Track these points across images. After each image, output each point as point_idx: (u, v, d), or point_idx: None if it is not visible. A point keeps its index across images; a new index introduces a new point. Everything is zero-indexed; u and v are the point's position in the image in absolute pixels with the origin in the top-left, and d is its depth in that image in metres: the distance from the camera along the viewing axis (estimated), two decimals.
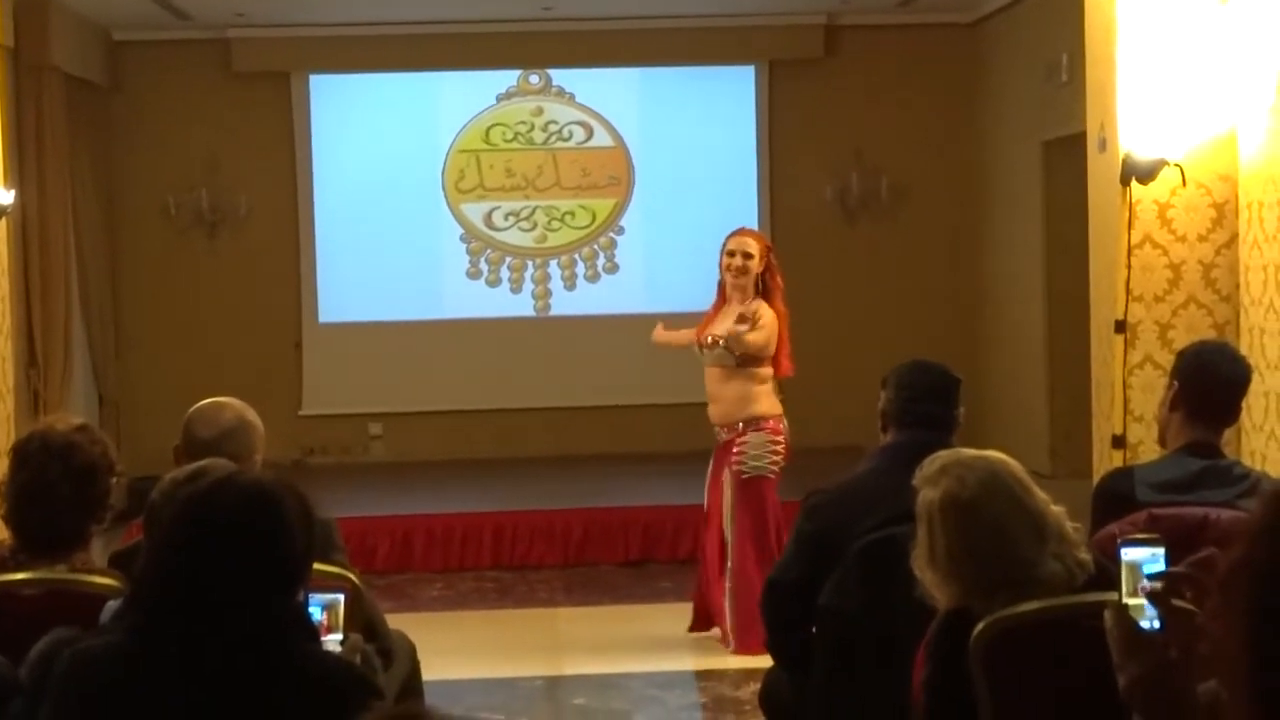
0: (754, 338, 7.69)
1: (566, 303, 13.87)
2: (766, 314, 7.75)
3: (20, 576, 4.11)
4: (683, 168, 13.77)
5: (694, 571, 8.43)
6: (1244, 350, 6.54)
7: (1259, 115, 7.10)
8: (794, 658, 4.83)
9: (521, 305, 13.88)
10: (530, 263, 13.88)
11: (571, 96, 13.84)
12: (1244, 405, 5.00)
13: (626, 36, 13.37)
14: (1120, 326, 7.40)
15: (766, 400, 7.83)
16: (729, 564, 7.84)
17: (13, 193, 7.16)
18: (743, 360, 7.75)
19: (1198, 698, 2.50)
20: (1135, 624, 2.81)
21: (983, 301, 13.51)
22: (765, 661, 5.31)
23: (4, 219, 7.09)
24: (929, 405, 4.83)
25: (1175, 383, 4.74)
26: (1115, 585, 2.93)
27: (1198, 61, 7.27)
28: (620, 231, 13.87)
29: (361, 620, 3.98)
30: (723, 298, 7.98)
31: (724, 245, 7.93)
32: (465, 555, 10.37)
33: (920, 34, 13.52)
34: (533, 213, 13.85)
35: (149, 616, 2.98)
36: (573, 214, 13.85)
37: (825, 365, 12.52)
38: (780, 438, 7.80)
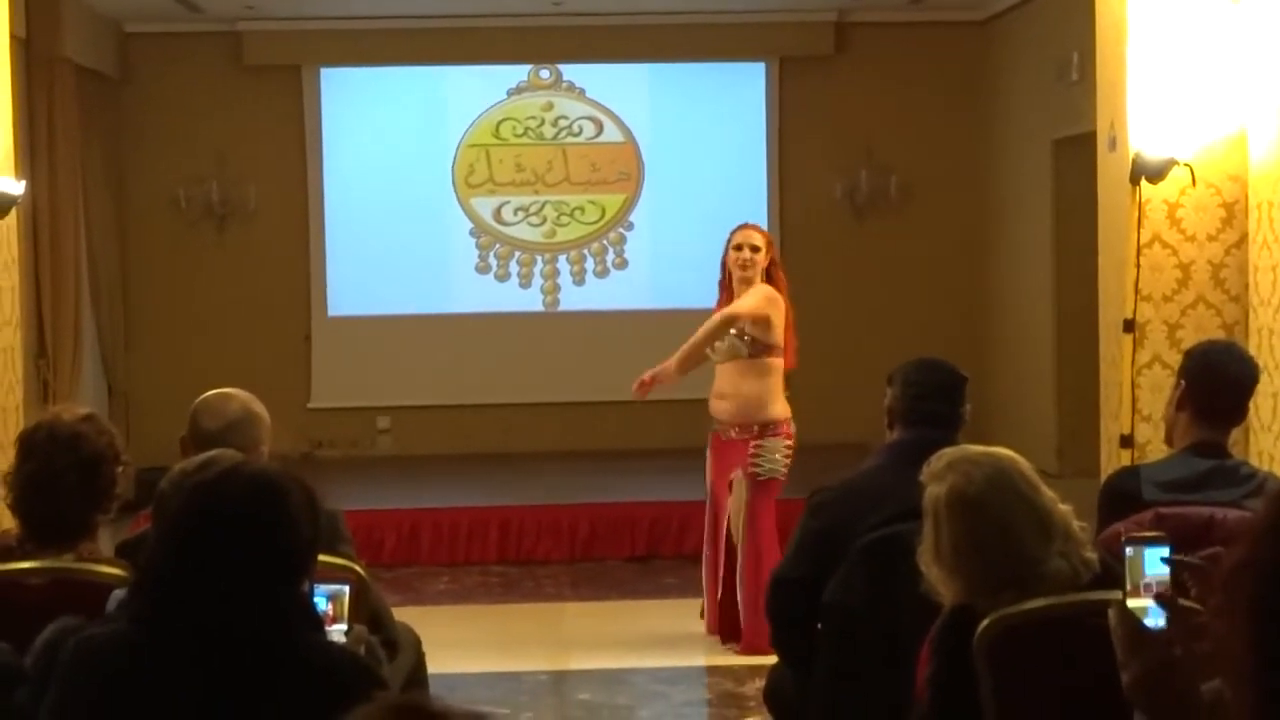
0: (748, 303, 7.63)
1: (575, 298, 13.88)
2: (761, 288, 7.70)
3: (27, 565, 4.12)
4: (692, 164, 13.77)
5: (698, 569, 8.29)
6: (1253, 350, 6.54)
7: (1269, 115, 7.10)
8: (799, 654, 4.84)
9: (530, 300, 13.89)
10: (539, 258, 13.89)
11: (582, 92, 13.84)
12: (1252, 405, 5.00)
13: (637, 32, 13.37)
14: (1129, 326, 7.40)
15: (781, 403, 7.78)
16: (741, 564, 7.77)
17: (23, 184, 7.17)
18: (756, 351, 7.67)
19: (1202, 697, 2.50)
20: (1139, 622, 2.81)
21: (991, 300, 13.51)
22: (770, 658, 5.32)
23: (14, 210, 7.09)
24: (935, 403, 4.83)
25: (1182, 382, 4.73)
26: (1120, 584, 2.93)
27: (1208, 61, 7.27)
28: (629, 227, 13.88)
29: (366, 612, 3.98)
30: (727, 295, 7.91)
31: (729, 240, 7.89)
32: (472, 549, 10.37)
33: (931, 31, 13.52)
34: (542, 208, 13.86)
35: (154, 605, 2.98)
36: (582, 209, 13.86)
37: (832, 362, 12.53)
38: (792, 441, 7.78)
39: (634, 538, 10.40)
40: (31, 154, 10.89)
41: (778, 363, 7.77)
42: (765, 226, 13.48)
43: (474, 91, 13.76)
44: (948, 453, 3.73)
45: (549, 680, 7.75)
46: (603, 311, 13.61)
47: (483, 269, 13.85)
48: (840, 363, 12.53)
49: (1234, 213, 7.37)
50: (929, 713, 3.58)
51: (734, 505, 7.78)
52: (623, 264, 13.88)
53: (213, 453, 3.99)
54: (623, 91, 13.84)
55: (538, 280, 13.90)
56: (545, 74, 13.84)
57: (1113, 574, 3.63)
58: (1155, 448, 6.81)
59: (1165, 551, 2.88)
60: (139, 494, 4.49)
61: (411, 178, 13.66)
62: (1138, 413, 7.36)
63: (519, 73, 13.80)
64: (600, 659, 7.99)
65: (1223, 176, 7.36)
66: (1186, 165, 7.26)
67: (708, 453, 8.03)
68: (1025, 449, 3.89)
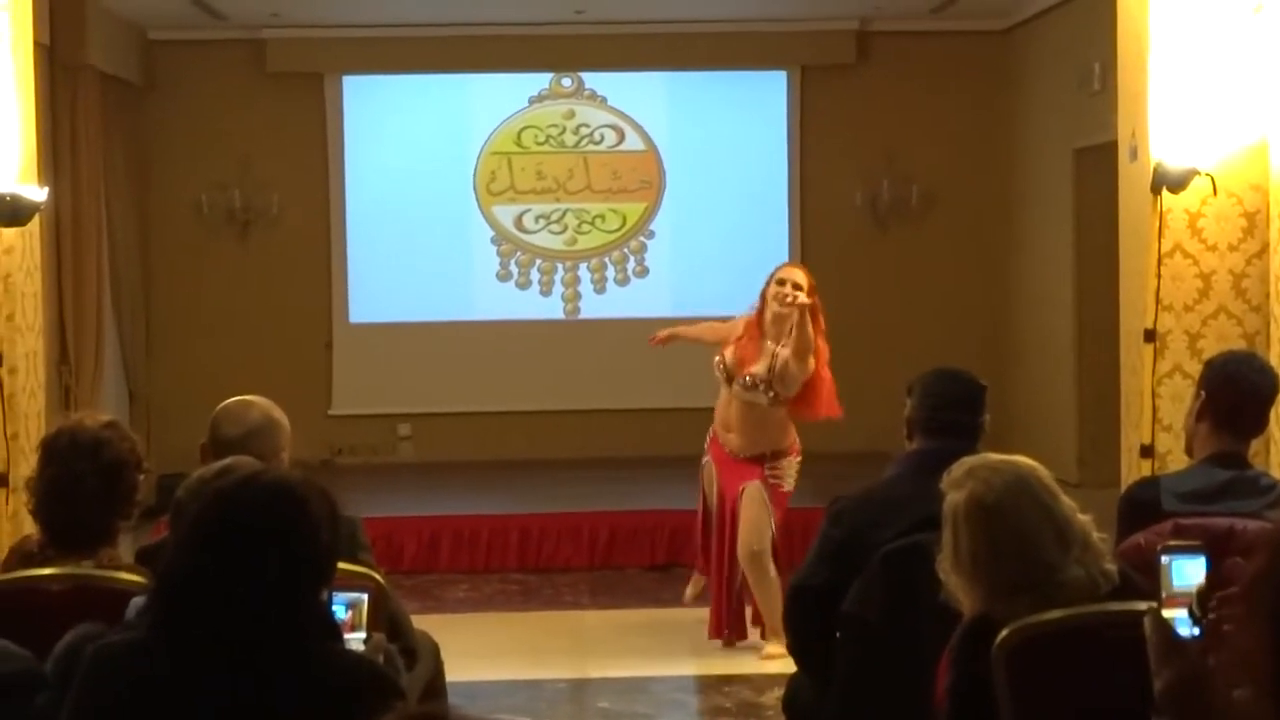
0: (796, 367, 7.68)
1: (596, 306, 13.89)
2: (813, 347, 7.72)
3: (47, 572, 4.13)
4: (714, 172, 13.78)
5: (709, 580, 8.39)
6: (1273, 361, 6.52)
7: None
8: (817, 663, 4.83)
9: (551, 308, 13.90)
10: (560, 265, 13.90)
11: (603, 100, 13.86)
12: (1273, 415, 4.99)
13: (659, 40, 13.38)
14: (1150, 336, 7.37)
15: (790, 432, 7.97)
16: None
17: (46, 190, 7.19)
18: (774, 403, 7.80)
19: (1233, 706, 2.50)
20: (1172, 630, 2.81)
21: (1012, 309, 13.49)
22: (790, 667, 5.32)
23: (37, 217, 7.11)
24: (954, 413, 4.82)
25: (1202, 392, 4.72)
26: (1141, 595, 2.94)
27: (1230, 70, 7.25)
28: (650, 235, 13.89)
29: (385, 620, 3.99)
30: (759, 330, 7.87)
31: (773, 275, 7.87)
32: (491, 557, 10.38)
33: (953, 41, 13.50)
34: (563, 215, 13.87)
35: (172, 612, 2.99)
36: (603, 217, 13.87)
37: (854, 371, 12.44)
38: (800, 455, 7.98)
39: (654, 546, 10.40)
40: (55, 160, 10.93)
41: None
42: (786, 235, 13.66)
43: (496, 99, 13.78)
44: (968, 460, 3.73)
45: (568, 688, 7.75)
46: (623, 319, 13.60)
47: (504, 276, 13.87)
48: (861, 372, 12.47)
49: (1255, 222, 7.35)
50: None
51: (753, 511, 7.85)
52: (643, 272, 13.88)
53: (232, 460, 4.00)
54: (644, 100, 13.85)
55: (559, 288, 13.91)
56: (567, 82, 13.85)
57: (1132, 585, 3.64)
58: (1176, 458, 6.79)
59: (1201, 560, 2.87)
60: (160, 500, 4.52)
61: (433, 185, 13.69)
62: (1158, 423, 7.34)
63: (541, 81, 13.81)
64: (620, 667, 8.00)
65: (1244, 186, 7.34)
66: (1208, 175, 7.24)
67: (708, 458, 8.20)
68: (1046, 459, 3.89)
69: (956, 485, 3.66)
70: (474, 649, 7.83)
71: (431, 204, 13.67)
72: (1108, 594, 3.56)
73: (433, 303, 13.70)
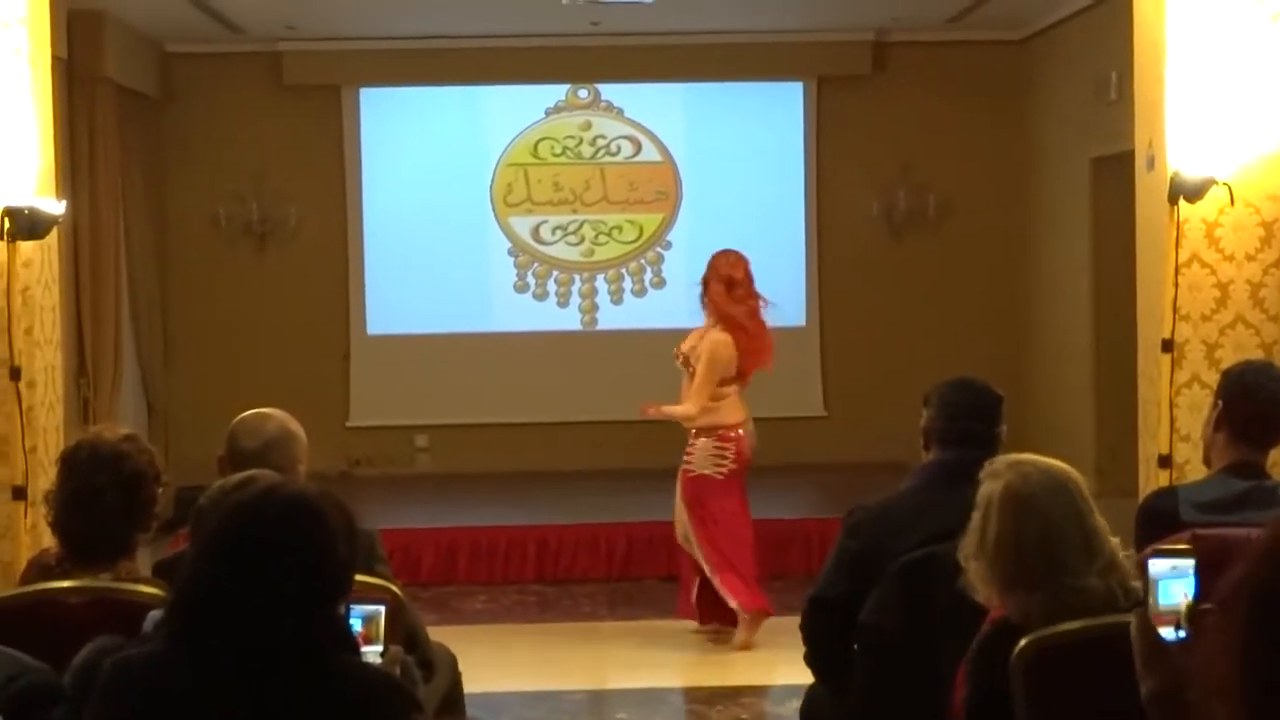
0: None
1: (613, 317, 13.89)
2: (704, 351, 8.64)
3: (66, 584, 4.14)
4: (730, 183, 13.77)
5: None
6: None
7: None
8: (835, 674, 4.83)
9: (568, 319, 13.90)
10: (577, 277, 13.91)
11: (620, 111, 13.87)
12: None
13: (675, 51, 13.38)
14: (1167, 345, 7.35)
15: (716, 412, 8.53)
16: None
17: (64, 204, 7.20)
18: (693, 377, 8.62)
19: (1212, 716, 2.49)
20: (1158, 635, 2.80)
21: (1029, 319, 13.47)
22: (808, 678, 5.31)
23: (55, 230, 7.13)
24: (971, 423, 4.82)
25: (1220, 402, 4.72)
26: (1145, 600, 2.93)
27: (1247, 80, 7.23)
28: (667, 246, 13.89)
29: (403, 632, 3.99)
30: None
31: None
32: (509, 568, 10.38)
33: (969, 51, 13.49)
34: (580, 227, 13.88)
35: (190, 625, 3.00)
36: (620, 228, 13.88)
37: (870, 381, 12.50)
38: (722, 442, 8.52)
39: (672, 557, 10.35)
40: (72, 173, 10.96)
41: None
42: (803, 245, 13.67)
43: (512, 111, 13.79)
44: (1013, 455, 3.76)
45: (586, 699, 7.76)
46: (640, 330, 13.59)
47: (521, 288, 13.88)
48: (877, 382, 12.50)
49: (1273, 232, 7.33)
50: None
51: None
52: (660, 283, 13.88)
53: (250, 472, 4.00)
54: (661, 111, 13.85)
55: (575, 299, 13.92)
56: (583, 93, 13.87)
57: None
58: (1194, 468, 6.77)
59: (1188, 565, 2.87)
60: (177, 512, 4.52)
61: (450, 197, 13.70)
62: (1176, 432, 7.32)
63: (557, 92, 13.83)
64: (638, 678, 8.01)
65: (1261, 196, 7.32)
66: (1225, 184, 7.22)
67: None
68: None
69: (995, 475, 3.69)
70: (492, 660, 7.84)
71: (448, 215, 13.69)
72: (1128, 608, 3.56)
73: (450, 314, 13.71)
